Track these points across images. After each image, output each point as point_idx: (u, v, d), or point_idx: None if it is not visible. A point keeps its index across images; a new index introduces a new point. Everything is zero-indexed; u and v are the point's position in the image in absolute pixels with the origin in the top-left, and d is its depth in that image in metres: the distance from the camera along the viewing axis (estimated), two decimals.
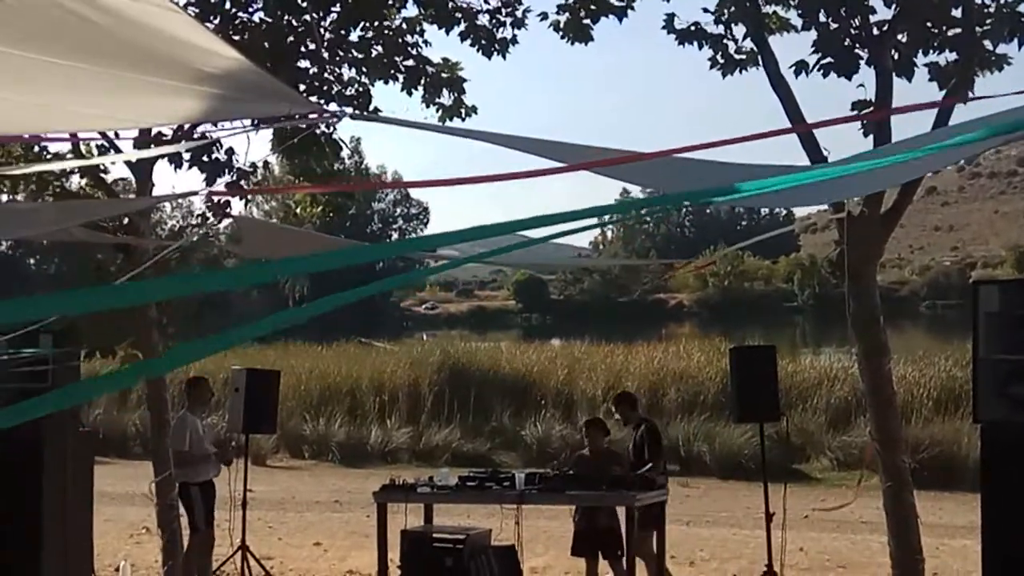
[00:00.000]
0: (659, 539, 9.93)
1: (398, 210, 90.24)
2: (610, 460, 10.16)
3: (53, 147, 11.10)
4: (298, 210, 12.85)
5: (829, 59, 8.54)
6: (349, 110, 9.56)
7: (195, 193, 9.30)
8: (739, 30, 9.11)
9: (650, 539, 10.01)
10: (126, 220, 10.98)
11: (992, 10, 8.44)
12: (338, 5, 10.36)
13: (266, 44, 10.08)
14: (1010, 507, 7.77)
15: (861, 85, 8.65)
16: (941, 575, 10.72)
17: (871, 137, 8.54)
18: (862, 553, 11.28)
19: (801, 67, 8.67)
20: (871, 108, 8.54)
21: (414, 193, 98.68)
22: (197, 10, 9.87)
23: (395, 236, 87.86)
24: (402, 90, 10.58)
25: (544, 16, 9.94)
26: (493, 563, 9.39)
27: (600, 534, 9.47)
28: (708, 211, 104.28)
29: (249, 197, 11.27)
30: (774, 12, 9.36)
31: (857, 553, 11.93)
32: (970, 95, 8.40)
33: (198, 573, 10.36)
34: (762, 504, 10.24)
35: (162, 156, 10.52)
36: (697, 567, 12.01)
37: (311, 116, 6.47)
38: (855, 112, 8.63)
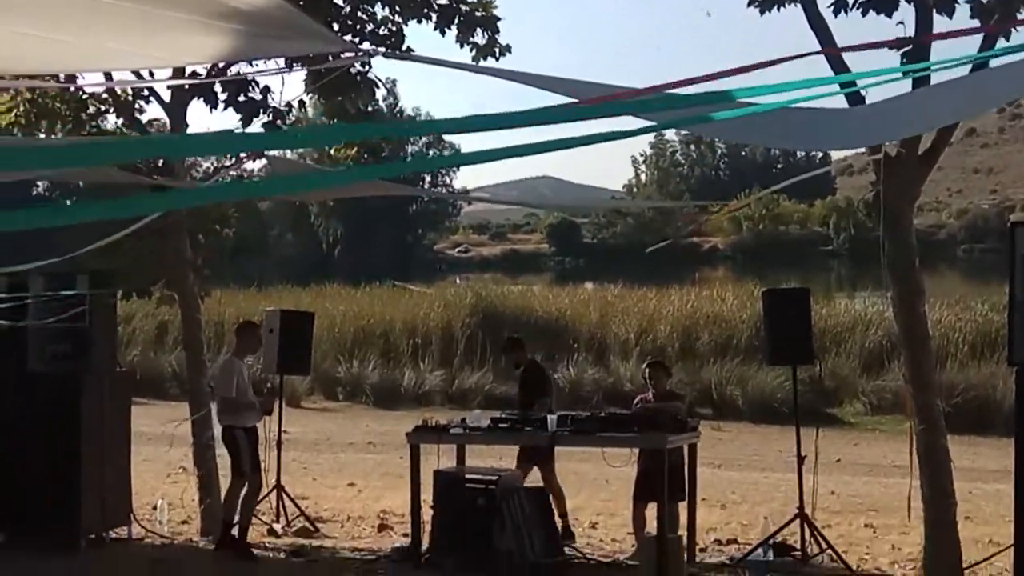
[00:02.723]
0: (691, 481, 9.94)
1: (431, 152, 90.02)
2: (673, 401, 10.15)
3: (88, 89, 11.12)
4: (332, 151, 12.83)
5: None
6: (382, 49, 9.51)
7: (231, 132, 9.27)
8: None
9: (554, 475, 10.68)
10: (161, 162, 11.01)
11: None
12: None
13: None
14: None
15: (901, 23, 8.49)
16: (974, 519, 10.71)
17: (910, 78, 8.40)
18: (894, 497, 11.26)
19: (840, 5, 8.52)
20: (910, 47, 8.40)
21: (447, 135, 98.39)
22: None
23: (428, 178, 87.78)
24: (435, 29, 10.51)
25: None
26: (525, 504, 9.45)
27: (669, 474, 9.40)
28: (744, 153, 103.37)
29: None
30: None
31: (889, 496, 11.93)
32: (1013, 31, 8.25)
33: (243, 518, 10.34)
34: (794, 447, 10.24)
35: (196, 93, 10.51)
36: (728, 510, 12.05)
37: (344, 55, 6.44)
38: (895, 50, 8.48)
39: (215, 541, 10.56)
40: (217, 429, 10.76)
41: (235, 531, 10.26)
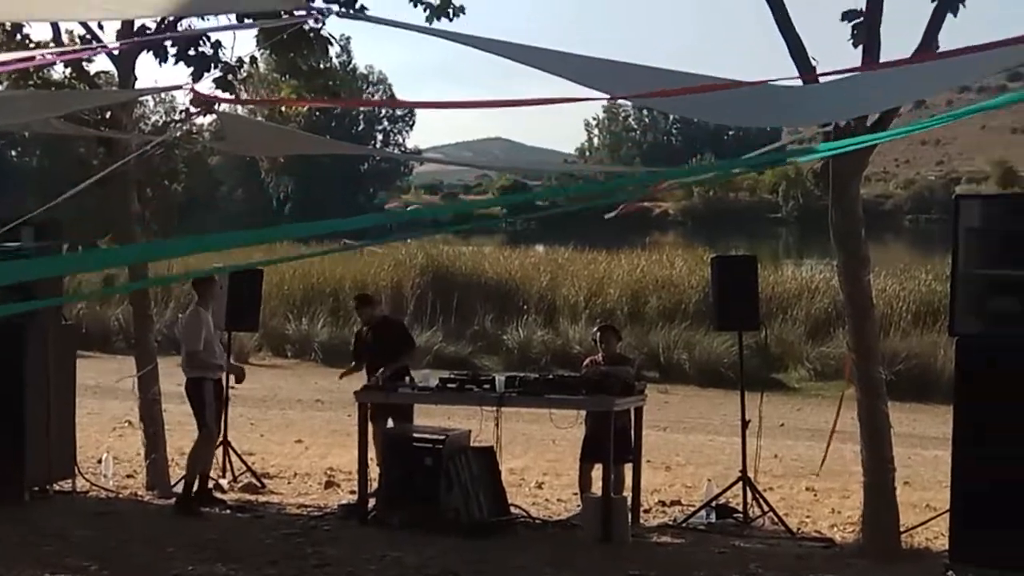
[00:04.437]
0: (637, 444, 10.05)
1: (383, 111, 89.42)
2: (623, 365, 10.21)
3: (36, 36, 10.95)
4: (284, 109, 12.73)
5: None
6: (336, 8, 9.43)
7: (179, 87, 9.19)
8: None
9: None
10: (108, 114, 10.87)
11: None
12: None
13: None
14: (981, 418, 7.90)
15: None
16: (912, 484, 10.92)
17: (860, 48, 8.48)
18: (835, 461, 11.45)
19: None
20: (861, 19, 8.47)
21: (400, 95, 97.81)
22: None
23: (379, 137, 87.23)
24: None
25: None
26: (472, 463, 9.51)
27: (616, 436, 9.49)
28: (695, 120, 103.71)
29: (235, 92, 11.12)
30: None
31: (831, 461, 12.09)
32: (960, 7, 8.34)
33: (201, 469, 10.38)
34: (739, 412, 10.38)
35: (146, 45, 10.37)
36: (673, 472, 12.19)
37: (297, 13, 6.39)
38: (846, 21, 8.55)
39: (166, 494, 10.56)
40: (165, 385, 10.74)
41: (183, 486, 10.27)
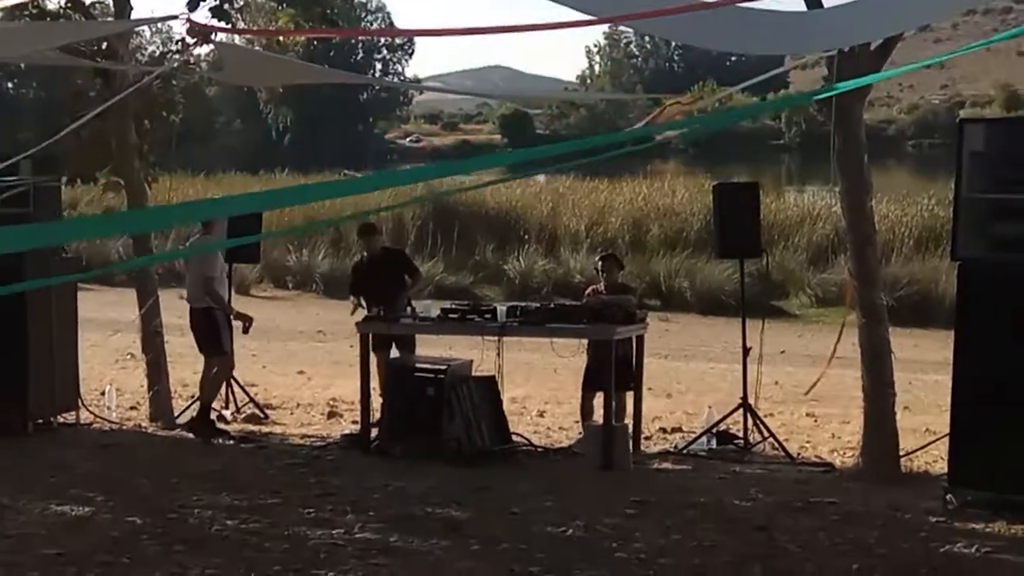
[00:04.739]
0: (638, 371, 10.08)
1: (382, 40, 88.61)
2: (624, 294, 10.22)
3: None
4: (281, 39, 12.59)
5: None
6: None
7: (175, 17, 9.08)
8: None
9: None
10: (104, 45, 10.76)
11: None
12: None
13: None
14: (982, 343, 7.92)
15: None
16: (912, 408, 10.97)
17: None
18: (836, 387, 11.49)
19: None
20: None
21: (399, 23, 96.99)
22: None
23: (378, 67, 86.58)
24: None
25: None
26: (474, 393, 9.55)
27: (617, 365, 9.52)
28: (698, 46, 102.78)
29: (231, 21, 11.02)
30: None
31: (831, 386, 12.14)
32: None
33: (208, 395, 10.54)
34: (740, 339, 10.39)
35: None
36: (674, 399, 12.25)
37: None
38: None
39: (169, 425, 10.66)
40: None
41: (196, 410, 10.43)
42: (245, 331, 10.69)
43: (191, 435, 10.34)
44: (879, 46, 8.60)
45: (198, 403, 10.64)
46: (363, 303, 10.54)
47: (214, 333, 10.41)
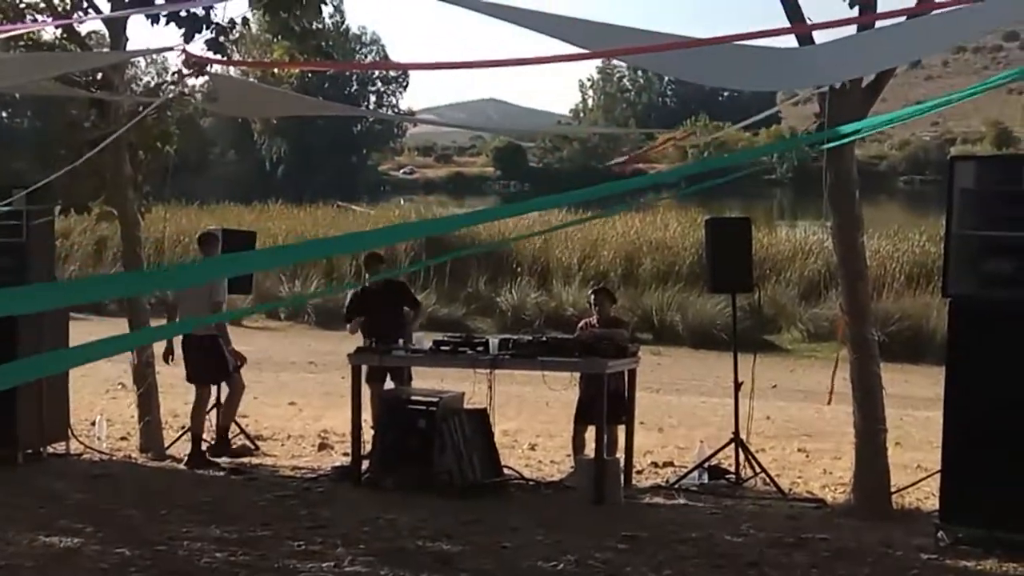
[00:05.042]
0: (630, 405, 10.07)
1: (376, 72, 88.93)
2: (617, 327, 10.23)
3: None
4: (276, 71, 12.64)
5: None
6: None
7: (171, 49, 9.12)
8: None
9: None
10: (100, 75, 10.80)
11: None
12: None
13: None
14: (973, 380, 7.93)
15: None
16: (903, 444, 10.96)
17: (856, 8, 8.43)
18: (828, 422, 11.50)
19: None
20: None
21: (393, 56, 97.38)
22: None
23: (372, 99, 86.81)
24: None
25: None
26: (465, 425, 9.53)
27: (609, 398, 9.51)
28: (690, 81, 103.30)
29: (226, 53, 11.06)
30: None
31: (823, 422, 12.17)
32: None
33: (226, 419, 10.78)
34: (732, 373, 10.40)
35: (136, 5, 10.28)
36: (665, 433, 12.23)
37: None
38: None
39: (159, 456, 10.63)
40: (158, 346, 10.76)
41: (208, 438, 10.65)
42: (236, 369, 10.74)
43: (185, 467, 10.33)
44: (871, 83, 8.65)
45: (190, 434, 10.64)
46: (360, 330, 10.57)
47: (220, 358, 10.47)
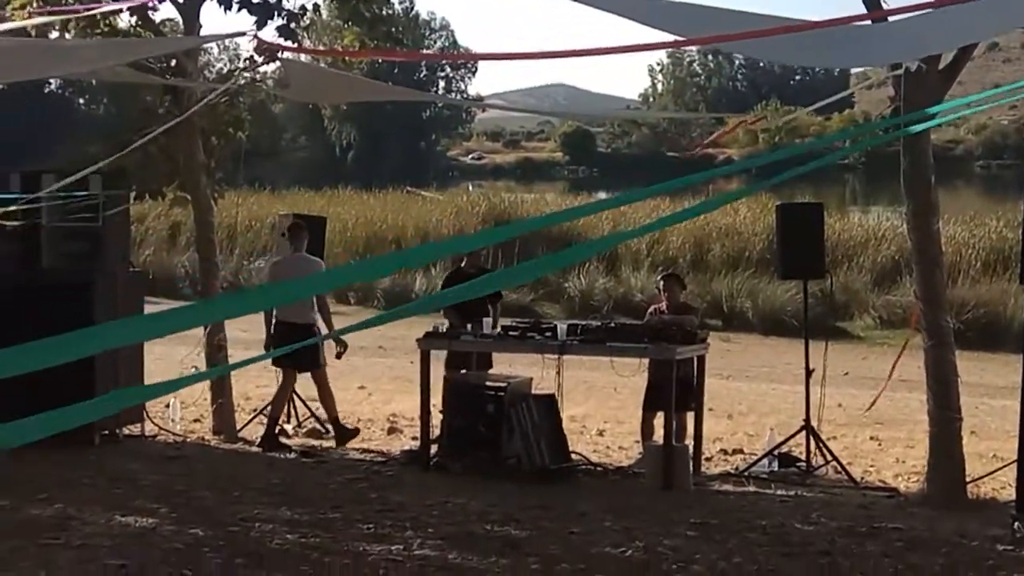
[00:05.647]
0: (699, 392, 10.02)
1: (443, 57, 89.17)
2: (686, 313, 10.19)
3: None
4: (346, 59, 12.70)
5: None
6: None
7: (243, 34, 9.20)
8: None
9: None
10: (173, 62, 10.93)
11: None
12: None
13: None
14: None
15: None
16: (979, 433, 10.79)
17: None
18: (900, 411, 11.35)
19: None
20: None
21: (462, 41, 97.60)
22: None
23: (441, 84, 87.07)
24: None
25: None
26: (533, 410, 9.54)
27: (678, 385, 9.47)
28: (761, 64, 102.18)
29: (297, 39, 11.15)
30: None
31: (896, 410, 12.00)
32: None
33: (331, 409, 10.90)
34: (802, 360, 10.29)
35: None
36: (735, 420, 12.15)
37: None
38: None
39: (232, 439, 10.78)
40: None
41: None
42: (338, 356, 11.01)
43: (258, 448, 10.49)
44: (947, 66, 8.50)
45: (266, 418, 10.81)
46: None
47: (314, 347, 10.58)
